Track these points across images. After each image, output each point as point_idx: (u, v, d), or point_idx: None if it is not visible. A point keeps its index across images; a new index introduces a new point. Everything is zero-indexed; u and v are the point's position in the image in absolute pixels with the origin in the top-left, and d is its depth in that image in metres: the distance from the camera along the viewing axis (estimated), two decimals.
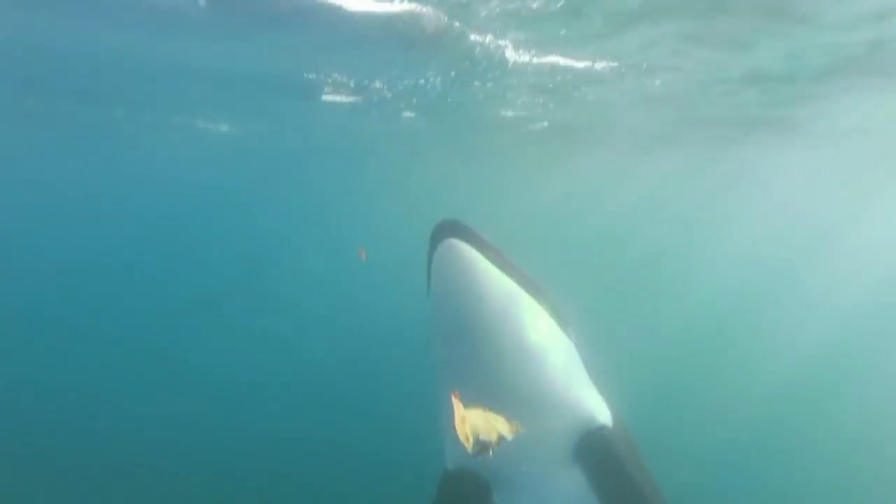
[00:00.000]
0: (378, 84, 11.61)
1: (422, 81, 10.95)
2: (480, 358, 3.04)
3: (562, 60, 9.17)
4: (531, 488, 3.37)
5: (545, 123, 15.27)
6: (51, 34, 8.93)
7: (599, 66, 9.39)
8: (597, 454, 3.30)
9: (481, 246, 3.01)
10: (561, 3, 6.44)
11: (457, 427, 2.29)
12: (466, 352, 3.06)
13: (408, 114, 14.45)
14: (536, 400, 3.15)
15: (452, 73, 10.13)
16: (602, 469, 3.29)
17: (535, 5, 6.51)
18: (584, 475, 3.30)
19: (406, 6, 6.88)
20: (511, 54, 8.74)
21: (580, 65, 9.39)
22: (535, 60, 9.07)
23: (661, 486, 3.43)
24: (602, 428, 3.37)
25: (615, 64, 9.27)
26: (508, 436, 2.45)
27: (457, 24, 7.36)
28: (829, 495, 9.42)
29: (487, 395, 2.93)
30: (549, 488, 3.35)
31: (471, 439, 2.29)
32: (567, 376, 3.28)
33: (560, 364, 3.24)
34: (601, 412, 3.44)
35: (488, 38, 7.99)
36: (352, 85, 11.80)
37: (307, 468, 8.69)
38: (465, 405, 2.37)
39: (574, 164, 22.89)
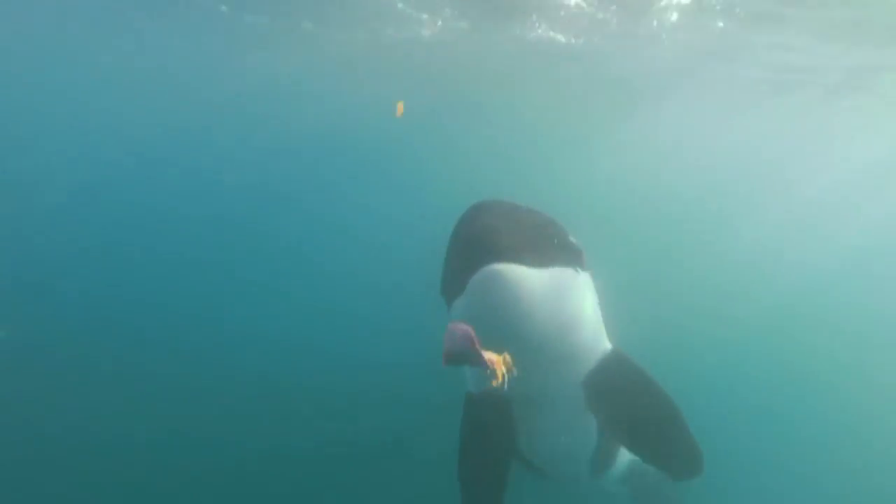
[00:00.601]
0: None
1: None
2: (523, 344, 3.11)
3: None
4: (547, 402, 3.86)
5: None
6: None
7: None
8: (617, 371, 3.72)
9: (520, 255, 2.90)
10: None
11: (479, 366, 2.49)
12: (510, 343, 3.09)
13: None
14: (564, 346, 3.45)
15: None
16: (626, 383, 3.74)
17: None
18: (584, 392, 3.73)
19: None
20: None
21: None
22: None
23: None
24: (615, 350, 3.83)
25: None
26: (526, 371, 2.75)
27: None
28: None
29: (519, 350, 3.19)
30: (562, 400, 3.83)
31: (493, 376, 2.54)
32: (589, 315, 3.58)
33: (586, 313, 3.53)
34: (606, 338, 3.85)
35: None
36: None
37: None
38: (485, 347, 2.55)
39: None
